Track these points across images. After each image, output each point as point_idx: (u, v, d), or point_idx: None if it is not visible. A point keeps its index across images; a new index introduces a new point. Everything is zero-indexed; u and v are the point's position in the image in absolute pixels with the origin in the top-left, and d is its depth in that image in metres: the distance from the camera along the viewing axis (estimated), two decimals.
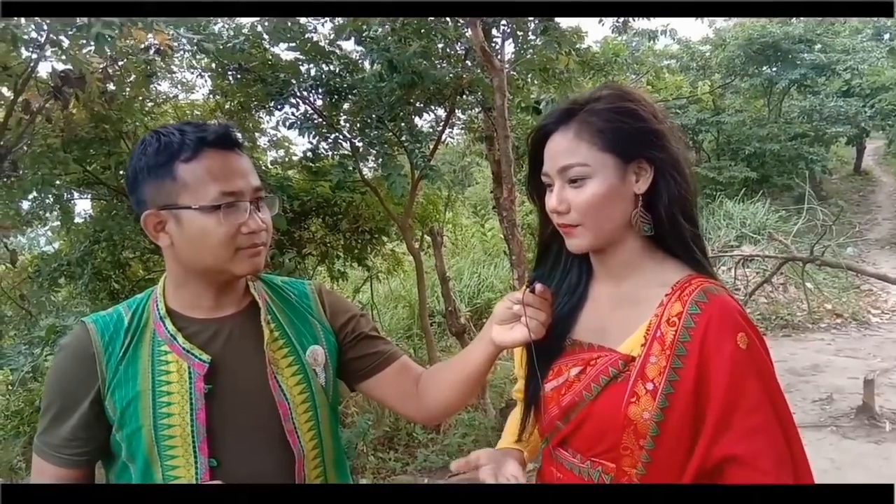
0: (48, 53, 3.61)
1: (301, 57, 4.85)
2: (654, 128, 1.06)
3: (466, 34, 4.90)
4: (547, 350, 1.14)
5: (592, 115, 1.06)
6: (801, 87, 15.94)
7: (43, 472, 1.16)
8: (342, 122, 5.26)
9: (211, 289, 1.20)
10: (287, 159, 5.90)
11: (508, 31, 5.27)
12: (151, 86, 4.95)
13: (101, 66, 3.92)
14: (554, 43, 4.95)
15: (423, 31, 4.75)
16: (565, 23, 5.36)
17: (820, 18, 15.14)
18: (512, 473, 1.13)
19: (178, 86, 6.28)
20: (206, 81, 5.57)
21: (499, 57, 4.84)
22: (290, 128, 4.89)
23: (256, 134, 5.65)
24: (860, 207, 15.65)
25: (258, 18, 4.66)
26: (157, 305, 1.20)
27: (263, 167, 5.40)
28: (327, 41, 5.00)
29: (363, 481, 4.52)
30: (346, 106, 5.16)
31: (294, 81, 4.82)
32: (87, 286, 4.90)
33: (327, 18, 4.88)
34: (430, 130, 5.52)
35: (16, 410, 5.23)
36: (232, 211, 1.13)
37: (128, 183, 1.19)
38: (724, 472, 0.99)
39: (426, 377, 1.35)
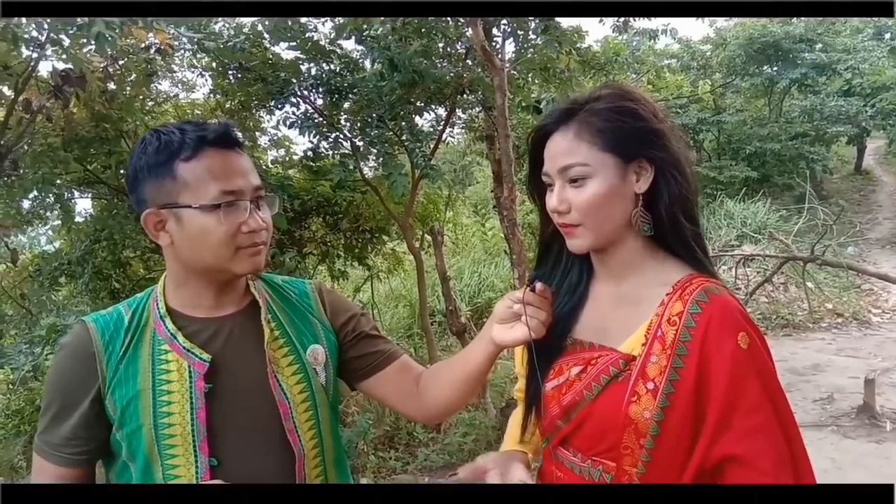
0: (49, 52, 3.62)
1: (301, 56, 4.85)
2: (654, 127, 1.06)
3: (467, 33, 4.90)
4: (547, 349, 1.14)
5: (592, 114, 1.06)
6: (801, 87, 15.94)
7: (43, 471, 1.16)
8: (343, 122, 5.26)
9: (211, 288, 1.20)
10: (287, 158, 5.90)
11: (509, 30, 5.27)
12: (152, 85, 4.95)
13: (102, 65, 3.92)
14: (554, 42, 4.95)
15: (423, 30, 4.75)
16: (566, 22, 5.36)
17: (821, 18, 15.12)
18: (519, 478, 1.14)
19: (179, 85, 6.29)
20: (206, 80, 5.58)
21: (499, 56, 4.83)
22: (290, 127, 4.89)
23: (257, 133, 5.65)
24: (861, 207, 15.64)
25: (259, 18, 4.66)
26: (157, 304, 1.20)
27: (264, 166, 5.40)
28: (328, 40, 5.00)
29: (364, 480, 4.52)
30: (346, 105, 5.16)
31: (294, 80, 4.82)
32: (87, 285, 4.90)
33: (327, 18, 4.88)
34: (431, 129, 5.52)
35: (16, 409, 5.23)
36: (232, 210, 1.13)
37: (128, 182, 1.19)
38: (725, 472, 0.99)
39: (426, 376, 1.35)
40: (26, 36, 3.32)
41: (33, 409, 4.85)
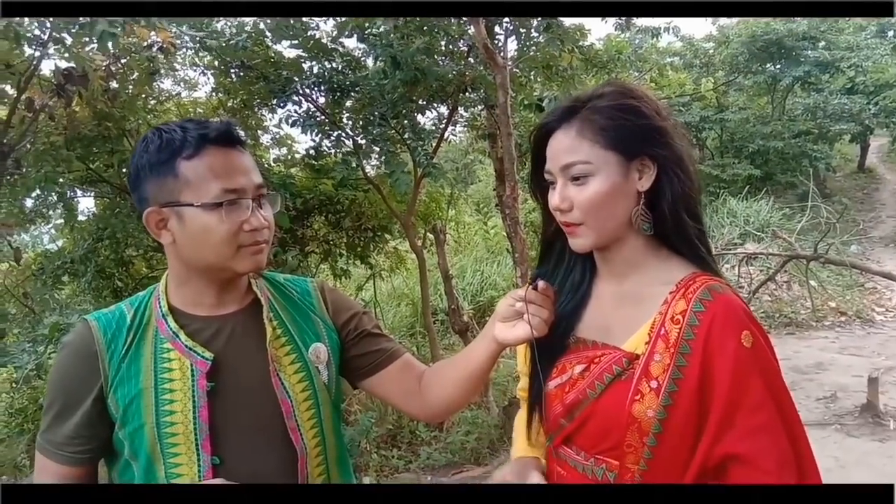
0: (51, 51, 3.62)
1: (303, 54, 4.85)
2: (657, 125, 1.05)
3: (469, 31, 4.89)
4: (550, 348, 1.14)
5: (595, 112, 1.05)
6: (804, 85, 15.90)
7: (46, 469, 1.16)
8: (345, 120, 5.26)
9: (213, 286, 1.20)
10: (290, 157, 5.91)
11: (511, 28, 5.27)
12: (154, 83, 4.95)
13: (104, 63, 3.92)
14: (557, 40, 4.95)
15: (425, 28, 4.75)
16: (568, 20, 5.36)
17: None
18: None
19: (181, 83, 6.30)
20: (208, 79, 5.59)
21: (501, 54, 4.83)
22: (292, 125, 4.90)
23: (259, 132, 5.66)
24: (864, 205, 15.60)
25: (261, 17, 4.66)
26: (159, 303, 1.20)
27: (266, 165, 5.40)
28: (330, 38, 5.00)
29: (366, 479, 4.52)
30: (348, 103, 5.16)
31: (296, 79, 4.83)
32: (90, 284, 4.91)
33: (330, 17, 4.88)
34: (433, 128, 5.53)
35: (20, 408, 5.24)
36: (234, 208, 1.12)
37: (130, 180, 1.19)
38: (727, 471, 0.98)
39: (429, 375, 1.35)
40: (29, 35, 3.32)
41: (36, 408, 4.86)
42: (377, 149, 4.97)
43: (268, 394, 1.19)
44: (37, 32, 3.43)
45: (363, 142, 5.04)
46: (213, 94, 5.61)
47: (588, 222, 1.07)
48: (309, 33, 4.76)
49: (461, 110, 5.87)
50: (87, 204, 5.89)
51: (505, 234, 6.90)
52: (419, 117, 5.31)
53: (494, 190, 6.50)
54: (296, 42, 4.74)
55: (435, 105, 5.44)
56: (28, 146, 4.06)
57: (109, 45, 3.00)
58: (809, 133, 15.17)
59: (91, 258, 4.83)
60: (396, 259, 6.82)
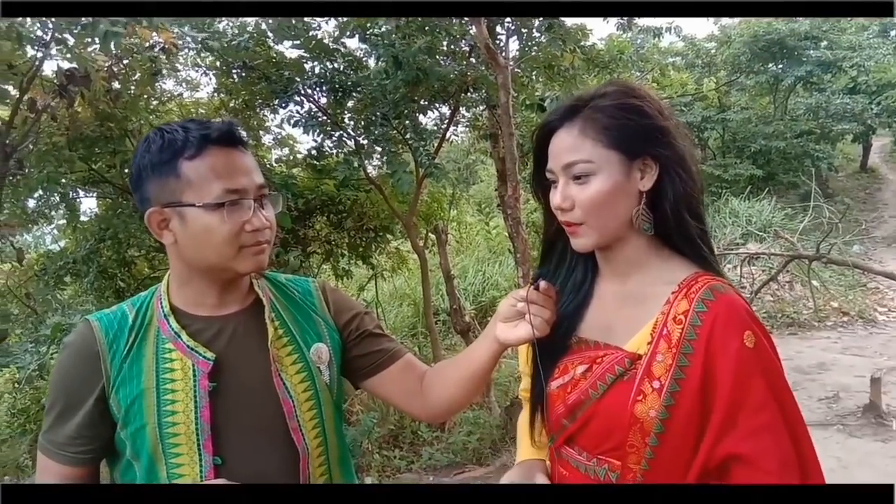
0: (53, 52, 3.62)
1: (305, 55, 4.85)
2: (659, 124, 1.05)
3: (471, 31, 4.89)
4: (552, 348, 1.14)
5: (597, 111, 1.05)
6: (806, 84, 15.88)
7: (47, 470, 1.16)
8: (346, 120, 5.26)
9: (215, 286, 1.20)
10: (291, 157, 5.90)
11: (513, 28, 5.26)
12: (156, 84, 4.95)
13: (107, 64, 3.92)
14: (558, 40, 4.95)
15: (427, 28, 4.75)
16: (570, 20, 5.35)
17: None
18: None
19: (183, 84, 6.29)
20: (210, 79, 5.59)
21: (503, 54, 4.83)
22: (294, 126, 4.90)
23: (261, 132, 5.65)
24: (866, 205, 15.58)
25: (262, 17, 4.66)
26: (160, 303, 1.20)
27: (268, 165, 5.40)
28: (331, 39, 5.00)
29: (368, 479, 4.52)
30: (350, 104, 5.16)
31: (298, 79, 4.83)
32: (92, 284, 4.92)
33: (331, 17, 4.88)
34: (435, 128, 5.52)
35: (22, 408, 5.24)
36: (236, 209, 1.13)
37: (131, 181, 1.19)
38: (730, 471, 0.98)
39: (430, 375, 1.35)
40: (31, 35, 3.32)
41: (39, 408, 4.86)
42: (379, 149, 4.97)
43: (269, 394, 1.19)
44: (39, 33, 3.43)
45: (365, 142, 5.04)
46: (215, 94, 5.61)
47: (589, 222, 1.06)
48: (311, 34, 4.76)
49: (463, 110, 5.86)
50: (89, 204, 5.91)
51: (507, 234, 6.90)
52: (421, 117, 5.31)
53: (496, 190, 6.50)
54: (297, 42, 4.74)
55: (437, 105, 5.44)
56: (30, 147, 4.07)
57: (112, 45, 3.00)
58: (811, 133, 15.15)
59: (93, 258, 4.84)
60: (398, 259, 6.82)
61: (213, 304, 1.21)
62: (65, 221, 5.39)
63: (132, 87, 4.40)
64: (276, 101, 4.92)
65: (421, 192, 5.50)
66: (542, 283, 1.11)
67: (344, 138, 5.11)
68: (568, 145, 1.06)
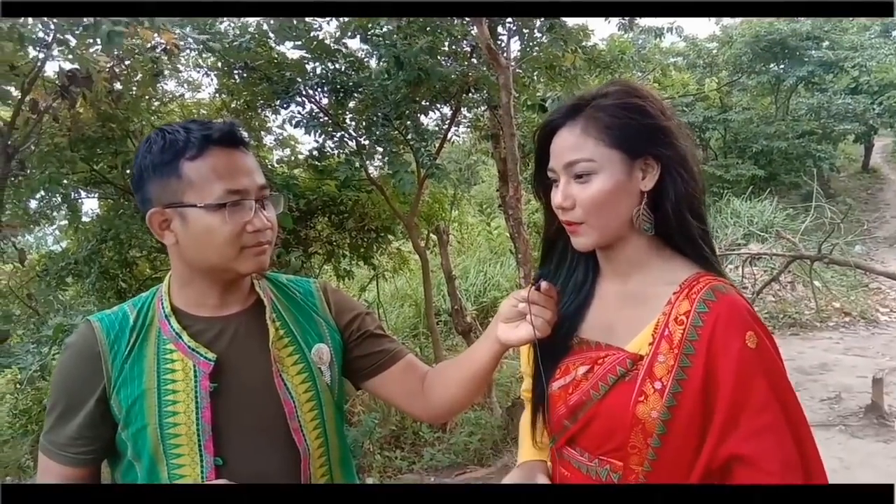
0: (55, 53, 3.62)
1: (307, 55, 4.85)
2: (661, 125, 1.05)
3: (472, 32, 4.89)
4: (553, 348, 1.14)
5: (600, 110, 1.05)
6: (808, 85, 15.88)
7: (49, 470, 1.16)
8: (348, 121, 5.26)
9: (216, 287, 1.20)
10: (293, 158, 5.91)
11: (514, 28, 5.26)
12: (158, 85, 4.96)
13: (108, 65, 3.93)
14: (560, 40, 4.94)
15: (428, 28, 4.75)
16: (571, 20, 5.35)
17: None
18: None
19: (185, 85, 6.30)
20: (212, 80, 5.60)
21: (504, 54, 4.83)
22: (295, 126, 4.91)
23: (262, 133, 5.66)
24: (868, 205, 15.58)
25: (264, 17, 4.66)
26: (162, 304, 1.20)
27: (269, 166, 5.40)
28: (333, 39, 5.00)
29: (369, 480, 4.52)
30: (351, 104, 5.16)
31: (300, 80, 4.83)
32: (94, 285, 4.92)
33: (332, 17, 4.88)
34: (436, 128, 5.52)
35: (24, 409, 5.24)
36: (237, 209, 1.13)
37: (133, 181, 1.19)
38: (732, 472, 0.98)
39: (432, 375, 1.34)
40: (33, 36, 3.32)
41: (41, 409, 4.86)
42: (380, 149, 4.97)
43: (271, 395, 1.19)
44: (41, 34, 3.43)
45: (366, 143, 5.04)
46: (217, 95, 5.62)
47: (590, 221, 1.06)
48: (312, 34, 4.76)
49: (464, 111, 5.86)
50: (91, 205, 5.92)
51: (508, 234, 6.89)
52: (422, 118, 5.31)
53: (497, 191, 6.50)
54: (299, 43, 4.75)
55: (438, 106, 5.44)
56: (32, 148, 4.07)
57: (115, 44, 3.00)
58: (813, 133, 15.15)
59: (95, 259, 4.84)
60: (399, 260, 6.82)
61: (214, 304, 1.21)
62: (66, 222, 5.40)
63: (134, 88, 4.41)
64: (278, 102, 4.92)
65: (422, 193, 5.50)
66: (544, 284, 1.11)
67: (345, 139, 5.11)
68: (570, 144, 1.06)
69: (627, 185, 1.05)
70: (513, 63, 4.93)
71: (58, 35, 3.38)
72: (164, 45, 3.91)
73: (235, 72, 4.97)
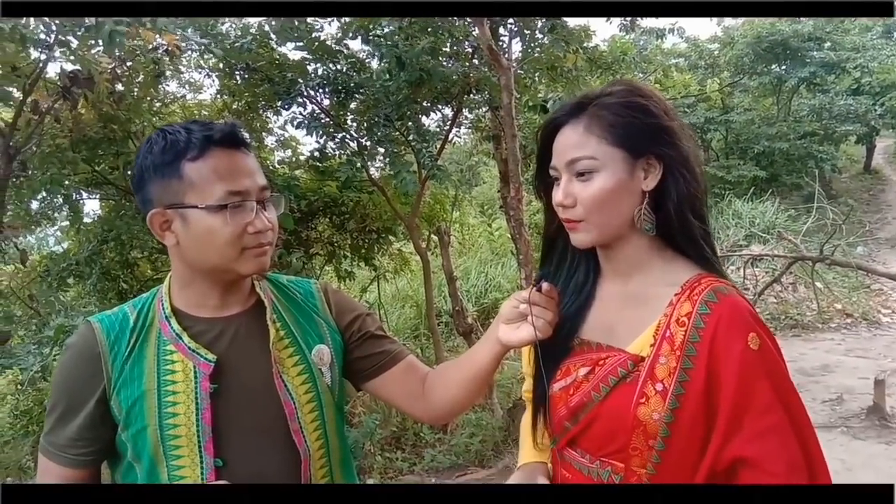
0: (57, 54, 3.63)
1: (308, 56, 4.85)
2: (664, 124, 1.05)
3: (474, 33, 4.89)
4: (554, 350, 1.13)
5: (604, 108, 1.05)
6: (810, 86, 15.87)
7: (48, 472, 1.16)
8: (349, 122, 5.26)
9: (216, 288, 1.20)
10: (294, 159, 5.91)
11: (516, 29, 5.26)
12: (160, 86, 4.96)
13: (110, 66, 3.93)
14: (561, 41, 4.94)
15: (430, 29, 4.75)
16: (573, 21, 5.35)
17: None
18: None
19: (186, 86, 6.30)
20: (213, 81, 5.60)
21: (506, 55, 4.83)
22: (297, 127, 4.90)
23: (264, 133, 5.66)
24: (870, 206, 15.55)
25: (265, 18, 4.66)
26: (162, 305, 1.20)
27: (270, 167, 5.41)
28: (334, 40, 5.00)
29: (370, 481, 4.52)
30: (353, 105, 5.17)
31: (301, 81, 4.83)
32: (95, 286, 4.92)
33: (334, 18, 4.88)
34: (438, 129, 5.52)
35: (25, 410, 5.25)
36: (238, 210, 1.12)
37: (133, 182, 1.19)
38: (737, 474, 0.97)
39: (432, 377, 1.34)
40: (34, 37, 3.32)
41: (42, 410, 4.86)
42: (382, 150, 4.97)
43: (271, 396, 1.18)
44: (42, 35, 3.43)
45: (368, 143, 5.04)
46: (218, 96, 5.62)
47: (590, 219, 1.06)
48: (313, 35, 4.77)
49: (466, 112, 5.86)
50: (92, 206, 5.91)
51: (509, 235, 6.88)
52: (424, 119, 5.31)
53: (499, 192, 6.49)
54: (300, 44, 4.75)
55: (439, 106, 5.44)
56: (34, 148, 4.08)
57: (117, 44, 3.00)
58: (815, 134, 15.13)
59: (96, 260, 4.84)
60: (401, 261, 6.82)
61: (214, 305, 1.21)
62: (68, 223, 5.40)
63: (135, 89, 4.41)
64: (279, 103, 4.92)
65: (423, 194, 5.50)
66: (545, 285, 1.11)
67: (347, 140, 5.11)
68: (573, 142, 1.06)
69: (629, 184, 1.05)
70: (514, 64, 4.92)
71: (59, 36, 3.38)
72: (165, 47, 3.91)
73: (237, 73, 4.97)
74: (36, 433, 4.89)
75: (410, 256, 7.03)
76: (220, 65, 5.01)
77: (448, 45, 5.11)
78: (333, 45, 4.94)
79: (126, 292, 4.95)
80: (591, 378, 1.07)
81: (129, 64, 4.20)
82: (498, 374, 5.54)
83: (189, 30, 4.08)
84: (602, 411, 1.05)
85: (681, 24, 7.64)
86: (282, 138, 5.92)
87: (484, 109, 5.86)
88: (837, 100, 15.00)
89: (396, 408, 1.46)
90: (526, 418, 1.28)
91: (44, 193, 4.51)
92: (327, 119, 5.06)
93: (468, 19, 4.85)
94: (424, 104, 5.13)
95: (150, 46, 3.91)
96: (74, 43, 3.48)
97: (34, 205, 5.18)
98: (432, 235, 6.49)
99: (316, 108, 5.09)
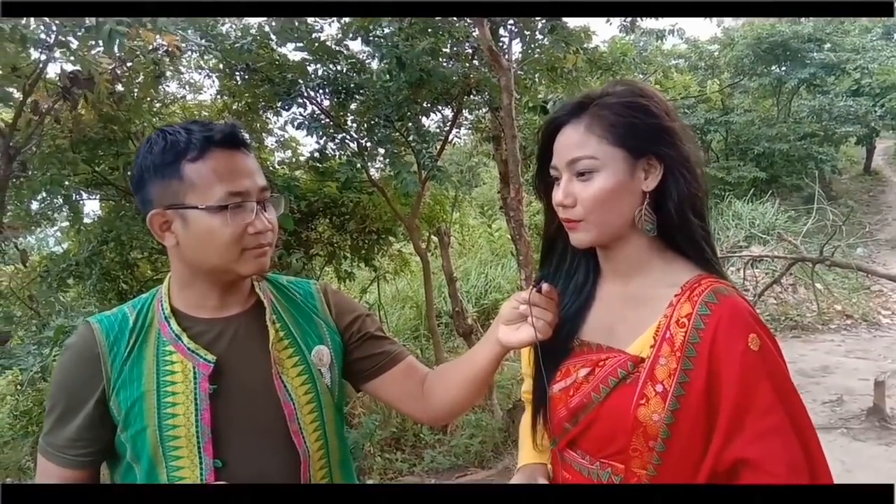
0: (57, 54, 3.63)
1: (308, 57, 4.85)
2: (665, 125, 1.05)
3: (474, 34, 4.89)
4: (554, 350, 1.13)
5: (605, 108, 1.05)
6: (810, 87, 15.87)
7: (47, 472, 1.16)
8: (349, 122, 5.26)
9: (216, 288, 1.20)
10: (294, 160, 5.91)
11: (516, 30, 5.26)
12: (160, 86, 4.96)
13: (110, 66, 3.93)
14: (561, 42, 4.94)
15: (430, 30, 4.75)
16: (573, 22, 5.35)
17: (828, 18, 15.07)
18: None
19: (186, 86, 6.30)
20: (213, 82, 5.59)
21: (506, 56, 4.83)
22: (297, 128, 4.90)
23: (264, 134, 5.66)
24: (870, 208, 15.55)
25: (265, 18, 4.66)
26: (161, 305, 1.20)
27: (270, 167, 5.40)
28: (334, 41, 5.00)
29: (370, 482, 4.51)
30: (353, 106, 5.16)
31: (301, 81, 4.83)
32: (95, 286, 4.92)
33: (334, 18, 4.88)
34: (438, 130, 5.52)
35: (24, 410, 5.24)
36: (238, 211, 1.12)
37: (133, 182, 1.19)
38: (738, 475, 0.97)
39: (432, 378, 1.34)
40: (35, 38, 3.32)
41: (41, 410, 4.83)
42: (382, 151, 4.97)
43: (270, 396, 1.18)
44: (42, 36, 3.43)
45: (368, 144, 5.04)
46: (218, 96, 5.62)
47: (590, 219, 1.06)
48: (314, 36, 4.77)
49: (466, 113, 5.86)
50: (92, 206, 5.91)
51: (509, 236, 6.88)
52: (424, 120, 5.31)
53: (499, 192, 6.49)
54: (301, 45, 4.75)
55: (439, 107, 5.44)
56: (34, 149, 4.08)
57: (116, 46, 3.00)
58: (815, 135, 15.13)
59: (96, 260, 4.84)
60: (401, 262, 6.82)
61: (214, 306, 1.21)
62: (68, 223, 5.40)
63: (135, 90, 4.41)
64: (279, 104, 4.92)
65: (423, 195, 5.50)
66: (545, 286, 1.11)
67: (347, 140, 5.11)
68: (574, 141, 1.06)
69: (629, 184, 1.05)
70: (514, 65, 4.92)
71: (59, 36, 3.38)
72: (165, 47, 3.91)
73: (237, 73, 4.97)
74: (35, 434, 4.89)
75: (410, 257, 7.03)
76: (221, 65, 5.01)
77: (448, 45, 5.11)
78: (333, 46, 4.94)
79: (126, 293, 4.95)
80: (591, 379, 1.07)
81: (129, 64, 4.20)
82: (498, 375, 5.54)
83: (189, 30, 4.09)
84: (602, 412, 1.05)
85: (681, 25, 7.67)
86: (282, 139, 5.93)
87: (484, 110, 5.85)
88: (837, 101, 15.00)
89: (396, 409, 1.46)
90: (526, 419, 1.28)
91: (44, 194, 4.51)
92: (327, 120, 5.06)
93: (468, 20, 4.84)
94: (424, 105, 5.12)
95: (150, 47, 3.91)
96: (74, 43, 3.48)
97: (34, 205, 5.19)
98: (432, 236, 6.49)
99: (316, 108, 5.09)
